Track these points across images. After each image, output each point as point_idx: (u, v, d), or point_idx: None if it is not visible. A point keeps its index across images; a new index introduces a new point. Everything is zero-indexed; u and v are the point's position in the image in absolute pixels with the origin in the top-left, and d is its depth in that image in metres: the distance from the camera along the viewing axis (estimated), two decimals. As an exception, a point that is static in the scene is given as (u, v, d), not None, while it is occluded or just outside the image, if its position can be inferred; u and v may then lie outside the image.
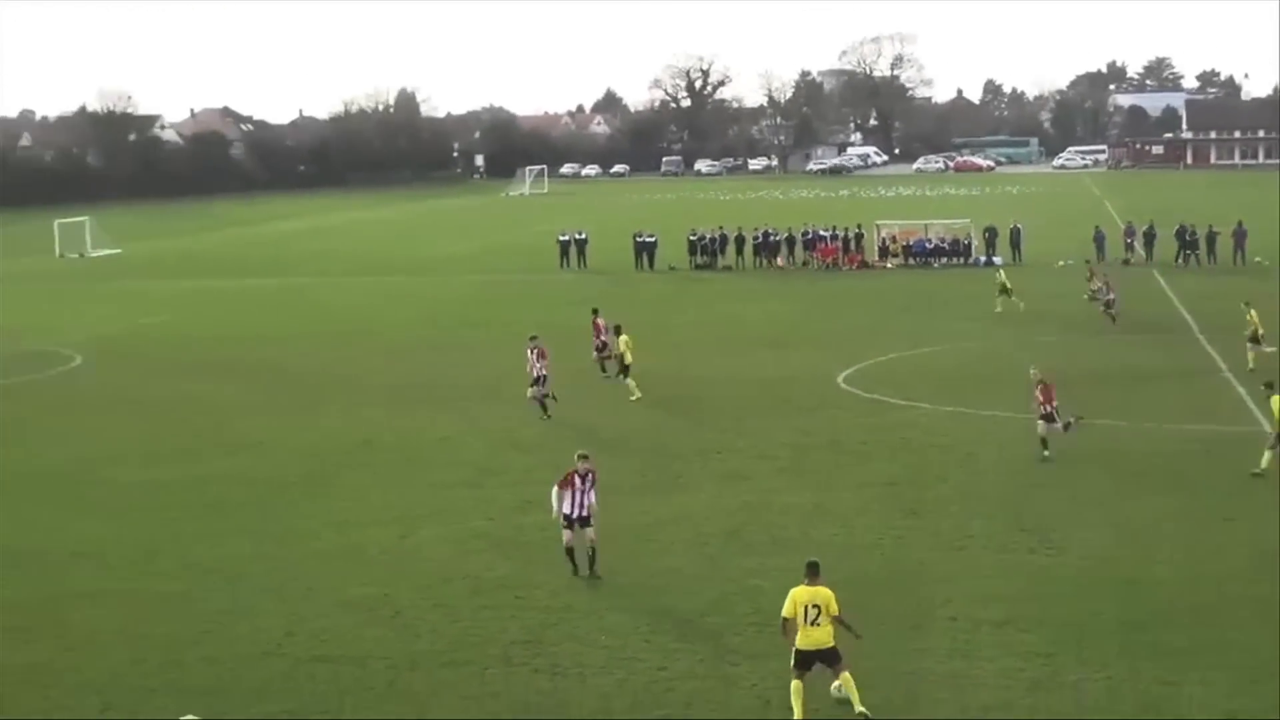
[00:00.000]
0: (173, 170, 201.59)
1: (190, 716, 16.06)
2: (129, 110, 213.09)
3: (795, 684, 20.93)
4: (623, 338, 45.51)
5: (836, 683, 21.08)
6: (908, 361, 49.95)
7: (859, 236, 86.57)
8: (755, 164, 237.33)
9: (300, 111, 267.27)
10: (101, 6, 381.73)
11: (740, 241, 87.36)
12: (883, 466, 35.66)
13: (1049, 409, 35.77)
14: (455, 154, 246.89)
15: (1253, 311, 46.70)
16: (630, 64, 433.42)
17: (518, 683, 22.55)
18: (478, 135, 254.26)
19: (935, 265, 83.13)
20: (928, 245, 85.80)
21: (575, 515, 27.43)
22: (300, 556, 29.61)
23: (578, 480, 27.44)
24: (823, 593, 21.19)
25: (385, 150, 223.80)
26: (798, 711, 20.79)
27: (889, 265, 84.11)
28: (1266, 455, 33.49)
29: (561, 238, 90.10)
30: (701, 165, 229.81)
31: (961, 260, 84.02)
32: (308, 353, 56.70)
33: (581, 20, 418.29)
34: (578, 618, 25.40)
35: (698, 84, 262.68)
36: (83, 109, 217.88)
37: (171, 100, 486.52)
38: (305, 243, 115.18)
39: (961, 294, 61.79)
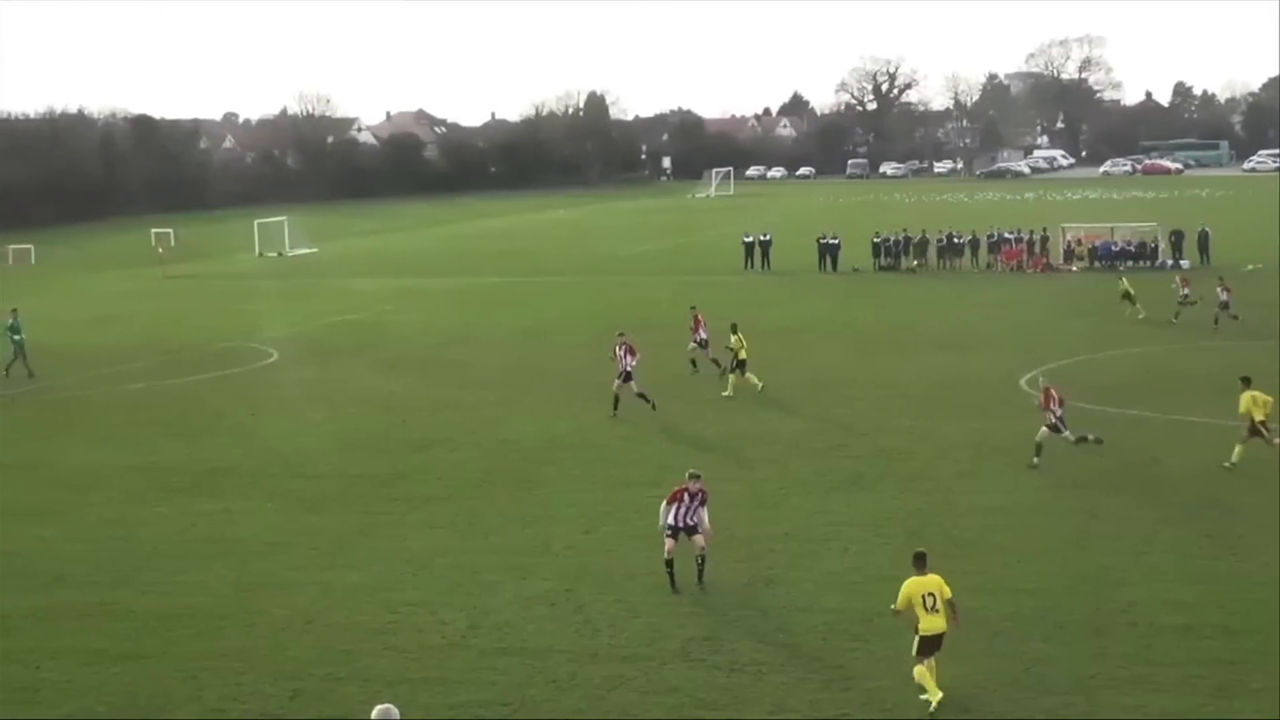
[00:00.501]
0: (368, 171, 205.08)
1: (385, 705, 16.45)
2: (327, 113, 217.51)
3: (919, 669, 21.80)
4: (736, 336, 45.99)
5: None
6: (1091, 365, 49.42)
7: (1044, 239, 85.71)
8: (940, 167, 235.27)
9: (492, 114, 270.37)
10: (304, 9, 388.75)
11: (924, 244, 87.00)
12: (1064, 470, 35.37)
13: (1055, 417, 35.59)
14: (643, 156, 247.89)
15: None
16: (817, 67, 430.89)
17: (695, 678, 22.81)
18: (665, 137, 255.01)
19: (1121, 268, 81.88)
20: (1113, 248, 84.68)
21: (680, 525, 27.38)
22: (486, 550, 30.15)
23: (686, 498, 27.44)
24: (935, 580, 22.11)
25: (574, 152, 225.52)
26: (934, 692, 21.59)
27: (1074, 268, 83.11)
28: (1237, 449, 34.54)
29: (746, 239, 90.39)
30: (886, 168, 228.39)
31: (1148, 263, 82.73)
32: (496, 350, 57.49)
33: (768, 23, 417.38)
34: (756, 616, 25.61)
35: (884, 87, 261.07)
36: (283, 112, 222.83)
37: (368, 103, 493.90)
38: (495, 243, 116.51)
39: (1147, 297, 60.78)
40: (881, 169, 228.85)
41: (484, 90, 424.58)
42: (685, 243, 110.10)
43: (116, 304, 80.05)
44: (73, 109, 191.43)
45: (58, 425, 45.26)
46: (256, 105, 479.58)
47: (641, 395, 43.35)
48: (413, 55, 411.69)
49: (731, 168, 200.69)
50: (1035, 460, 35.22)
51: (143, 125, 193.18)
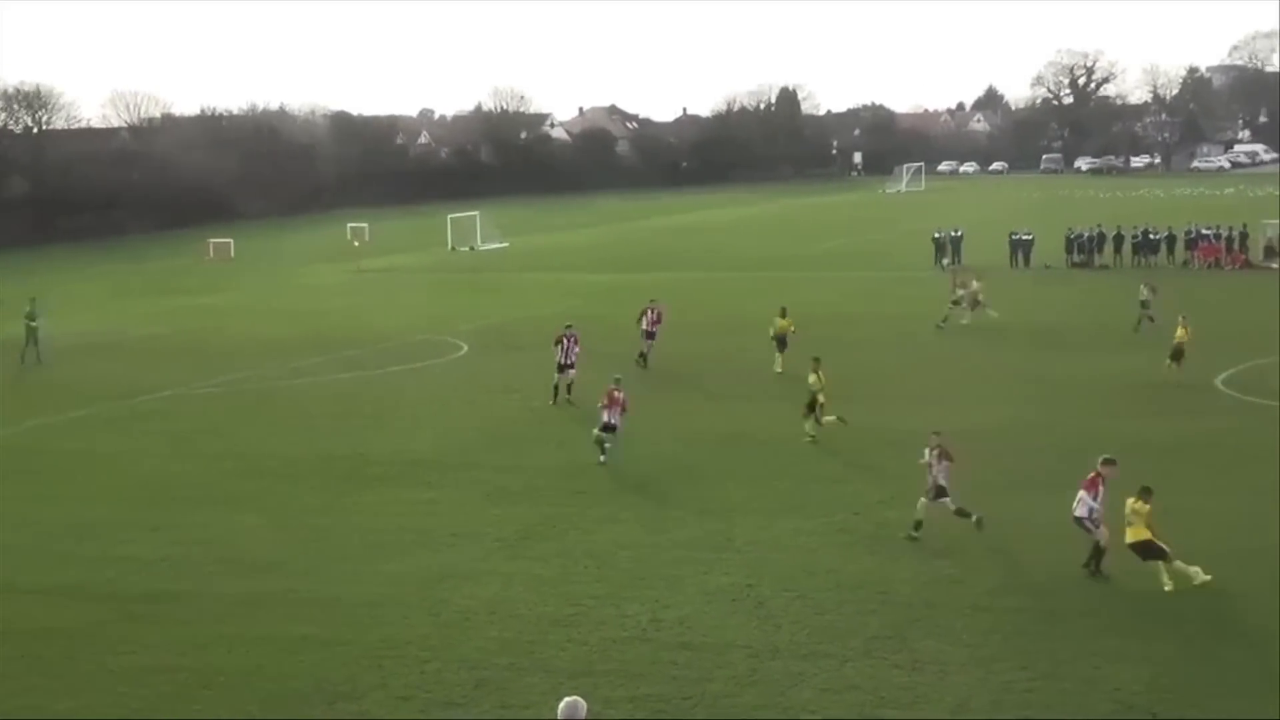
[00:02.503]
0: (560, 167, 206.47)
1: (573, 697, 16.57)
2: (521, 109, 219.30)
3: (1169, 565, 26.28)
4: (814, 375, 39.95)
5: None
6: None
7: (1244, 236, 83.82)
8: (1137, 162, 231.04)
9: (684, 109, 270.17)
10: (499, 7, 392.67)
11: (1119, 240, 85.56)
12: (1263, 470, 34.63)
13: (941, 480, 30.36)
14: (834, 151, 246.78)
15: None
16: (1012, 60, 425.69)
17: (877, 676, 22.75)
18: (857, 133, 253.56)
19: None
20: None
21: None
22: (668, 544, 30.30)
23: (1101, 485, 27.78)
24: (1136, 504, 26.54)
25: (766, 147, 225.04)
26: (1198, 576, 26.22)
27: (1275, 266, 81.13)
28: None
29: (937, 235, 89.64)
30: (1081, 163, 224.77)
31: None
32: (682, 345, 57.60)
33: (963, 16, 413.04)
34: (940, 615, 25.46)
35: (1080, 80, 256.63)
36: (478, 108, 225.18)
37: (561, 99, 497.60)
38: (685, 238, 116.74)
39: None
40: (1076, 164, 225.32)
41: (676, 86, 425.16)
42: (875, 239, 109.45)
43: (313, 297, 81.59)
44: (274, 105, 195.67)
45: (261, 415, 46.32)
46: (452, 101, 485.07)
47: (568, 387, 45.41)
48: (605, 51, 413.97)
49: (923, 163, 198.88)
50: (915, 535, 30.08)
51: (341, 121, 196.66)
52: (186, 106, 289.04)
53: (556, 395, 45.66)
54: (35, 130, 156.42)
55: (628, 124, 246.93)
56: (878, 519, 31.61)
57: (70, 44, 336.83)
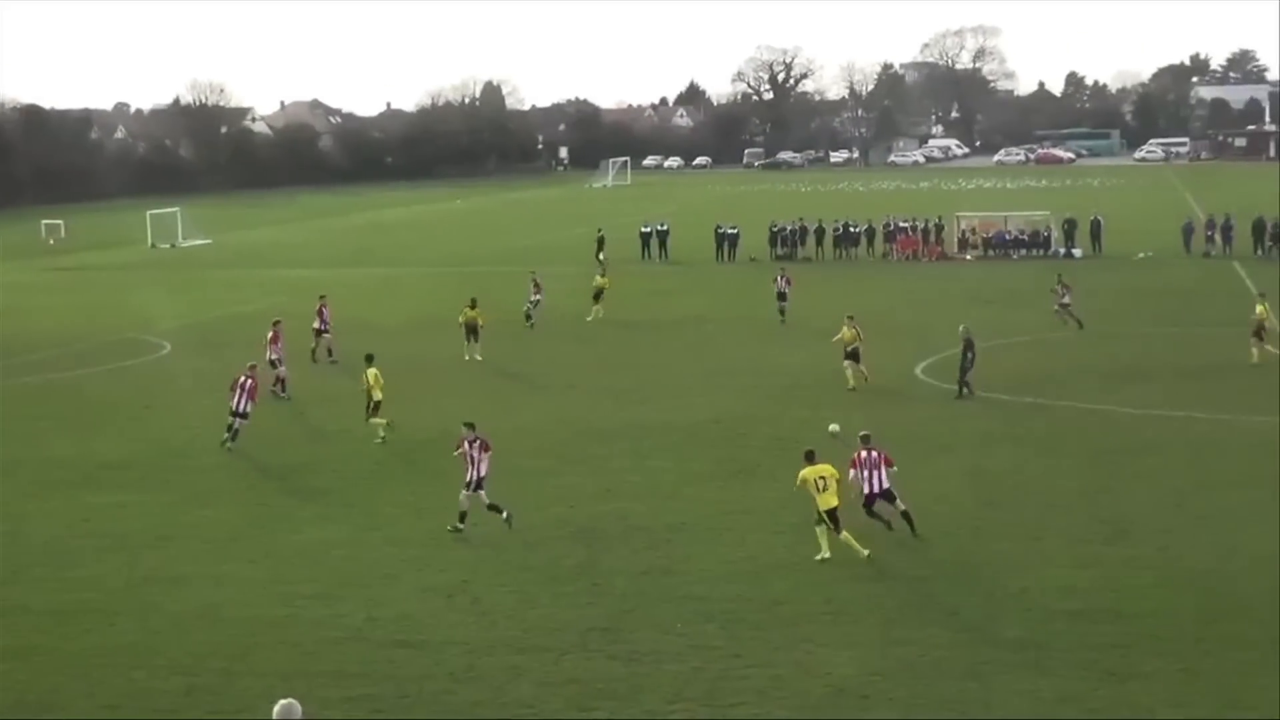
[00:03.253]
0: (263, 162, 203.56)
1: (288, 700, 16.20)
2: (221, 103, 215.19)
3: (819, 529, 27.69)
4: (371, 371, 40.02)
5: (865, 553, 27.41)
6: (986, 353, 49.64)
7: (939, 228, 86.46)
8: (837, 156, 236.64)
9: (388, 104, 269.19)
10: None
11: (820, 233, 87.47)
12: (962, 457, 35.71)
13: (483, 471, 30.11)
14: (540, 146, 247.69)
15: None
16: (713, 57, 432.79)
17: (594, 669, 22.78)
18: (562, 128, 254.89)
19: (1015, 257, 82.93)
20: (1007, 237, 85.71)
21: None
22: (381, 542, 29.99)
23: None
24: (827, 468, 27.82)
25: (471, 142, 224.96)
26: (825, 548, 27.61)
27: (968, 257, 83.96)
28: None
29: (644, 229, 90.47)
30: (783, 156, 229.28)
31: (1041, 252, 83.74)
32: (392, 343, 57.15)
33: (664, 13, 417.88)
34: (655, 605, 25.61)
35: (780, 77, 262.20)
36: (176, 101, 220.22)
37: (262, 92, 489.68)
38: (391, 234, 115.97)
39: (1040, 286, 61.27)
40: (778, 158, 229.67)
41: (380, 80, 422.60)
42: (583, 234, 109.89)
43: (5, 296, 78.88)
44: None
45: (-55, 419, 44.57)
46: (149, 95, 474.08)
47: (281, 383, 45.75)
48: (307, 44, 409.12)
49: (628, 158, 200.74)
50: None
51: (33, 115, 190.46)
52: None
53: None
54: None
55: (331, 118, 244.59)
56: (591, 511, 31.72)
57: None
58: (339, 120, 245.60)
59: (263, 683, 22.20)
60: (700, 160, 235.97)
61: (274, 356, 46.45)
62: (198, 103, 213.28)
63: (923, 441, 37.00)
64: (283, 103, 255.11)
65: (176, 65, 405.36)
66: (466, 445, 30.25)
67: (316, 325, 53.07)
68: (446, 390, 46.43)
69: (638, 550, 28.75)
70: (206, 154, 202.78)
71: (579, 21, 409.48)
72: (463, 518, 30.19)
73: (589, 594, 26.34)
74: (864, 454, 29.22)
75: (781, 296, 60.16)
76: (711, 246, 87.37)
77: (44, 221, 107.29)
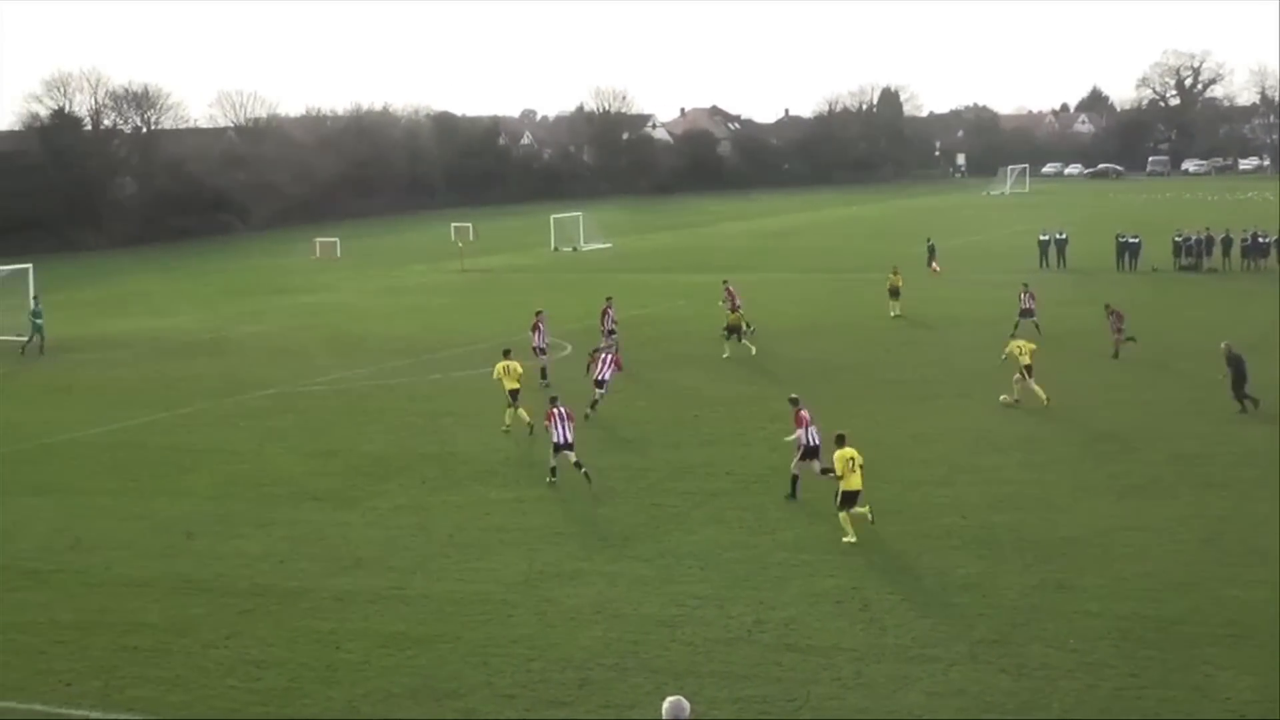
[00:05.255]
0: (662, 168, 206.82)
1: (676, 697, 16.49)
2: (623, 110, 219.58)
3: (843, 515, 30.24)
4: (501, 364, 43.55)
5: (865, 509, 30.48)
6: None
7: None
8: (1245, 164, 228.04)
9: (786, 111, 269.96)
10: (601, 7, 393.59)
11: (1228, 243, 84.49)
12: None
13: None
14: (936, 153, 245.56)
15: None
16: (1117, 61, 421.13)
17: (983, 681, 22.54)
18: (960, 134, 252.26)
19: None
20: None
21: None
22: (772, 546, 30.21)
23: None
24: (852, 451, 30.59)
25: (868, 149, 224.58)
26: (850, 534, 29.98)
27: None
28: None
29: (1042, 237, 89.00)
30: (1189, 165, 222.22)
31: None
32: (787, 346, 57.50)
33: (1067, 17, 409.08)
34: (1045, 619, 25.20)
35: (1187, 82, 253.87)
36: (580, 108, 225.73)
37: (663, 99, 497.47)
38: (786, 239, 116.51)
39: None
40: (1183, 166, 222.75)
41: (778, 87, 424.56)
42: (978, 240, 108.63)
43: (416, 296, 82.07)
44: (378, 106, 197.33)
45: (357, 414, 46.62)
46: (554, 102, 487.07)
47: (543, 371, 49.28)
48: (708, 51, 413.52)
49: (1027, 165, 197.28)
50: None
51: (444, 121, 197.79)
52: (291, 107, 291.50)
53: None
54: (144, 130, 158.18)
55: (729, 125, 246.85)
56: (983, 522, 31.37)
57: (177, 44, 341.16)
58: (737, 127, 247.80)
59: (653, 679, 22.63)
60: (1101, 167, 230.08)
61: (539, 344, 50.42)
62: (601, 110, 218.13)
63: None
64: (683, 109, 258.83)
65: (582, 73, 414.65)
66: (555, 415, 35.30)
67: (607, 326, 55.42)
68: (840, 395, 46.44)
69: (1030, 563, 28.32)
70: (608, 160, 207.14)
71: (979, 26, 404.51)
72: (553, 472, 35.75)
73: (980, 605, 26.06)
74: (804, 414, 34.21)
75: (1026, 313, 58.40)
76: (1112, 255, 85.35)
77: (454, 224, 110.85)
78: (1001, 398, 44.67)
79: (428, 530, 32.20)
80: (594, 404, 43.67)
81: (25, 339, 64.19)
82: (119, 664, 24.29)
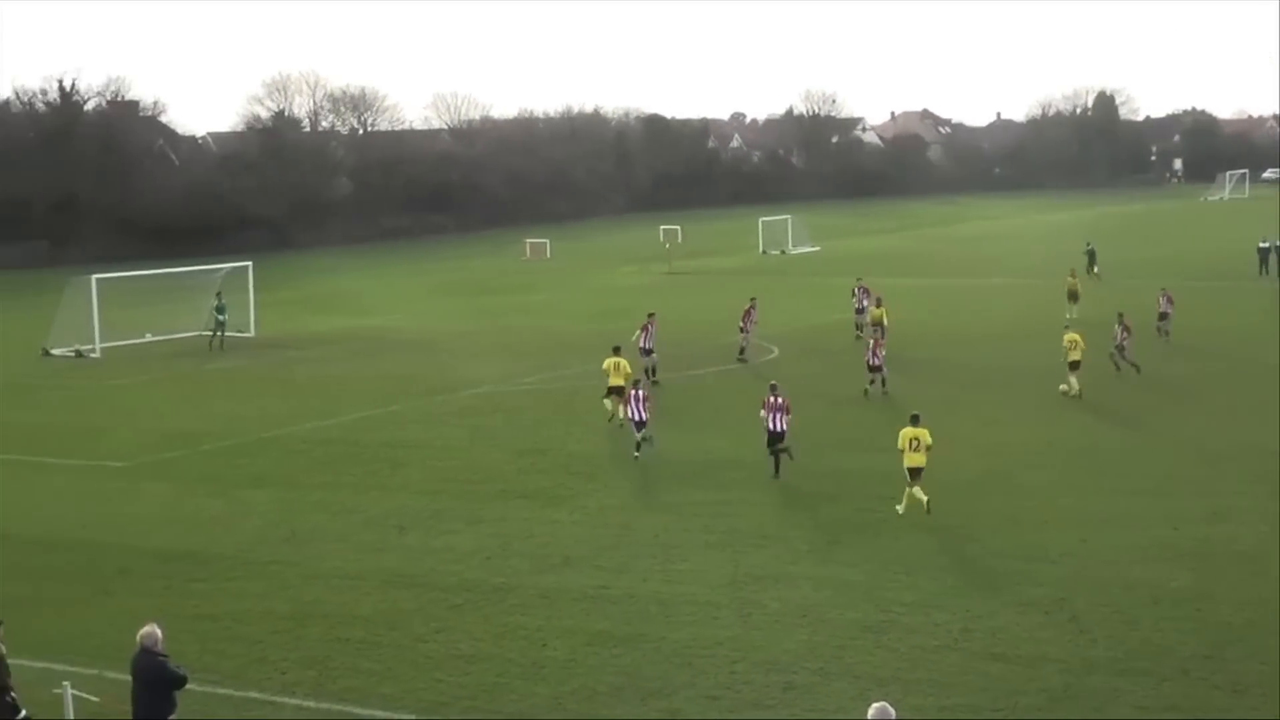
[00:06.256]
0: (871, 171, 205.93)
1: (882, 703, 16.46)
2: (832, 113, 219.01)
3: (909, 490, 32.75)
4: (611, 360, 45.29)
5: (923, 497, 32.49)
6: None
7: None
8: None
9: (998, 114, 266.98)
10: (811, 8, 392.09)
11: None
12: None
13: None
14: (1152, 158, 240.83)
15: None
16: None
17: (1195, 697, 22.10)
18: (1176, 138, 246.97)
19: None
20: None
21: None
22: (980, 553, 29.95)
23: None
24: (923, 432, 32.98)
25: (1081, 153, 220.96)
26: (904, 505, 32.78)
27: None
28: None
29: (1261, 245, 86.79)
30: None
31: None
32: (993, 352, 56.95)
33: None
34: (1261, 635, 24.63)
35: None
36: (789, 112, 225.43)
37: (873, 103, 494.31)
38: (995, 245, 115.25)
39: None
40: None
41: (990, 90, 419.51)
42: (1192, 248, 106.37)
43: (624, 298, 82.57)
44: (589, 108, 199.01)
45: (565, 413, 47.11)
46: (763, 105, 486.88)
47: (652, 370, 50.97)
48: (919, 54, 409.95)
49: (1246, 170, 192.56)
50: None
51: (655, 124, 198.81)
52: (505, 109, 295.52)
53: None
54: (360, 132, 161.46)
55: (940, 128, 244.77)
56: (1196, 535, 30.75)
57: (394, 47, 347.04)
58: (948, 130, 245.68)
59: (857, 685, 22.57)
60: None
61: (646, 345, 51.82)
62: (810, 113, 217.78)
63: None
64: (893, 113, 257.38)
65: (792, 76, 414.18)
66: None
67: (742, 325, 57.35)
68: (1042, 402, 45.93)
69: (1244, 577, 27.69)
70: (816, 163, 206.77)
71: (1197, 27, 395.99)
72: (638, 446, 39.30)
73: (1192, 619, 25.54)
74: (772, 399, 37.09)
75: (1163, 316, 58.65)
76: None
77: (662, 227, 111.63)
78: (1061, 388, 46.83)
79: (634, 530, 32.42)
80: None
81: (216, 333, 66.55)
82: (332, 655, 24.84)
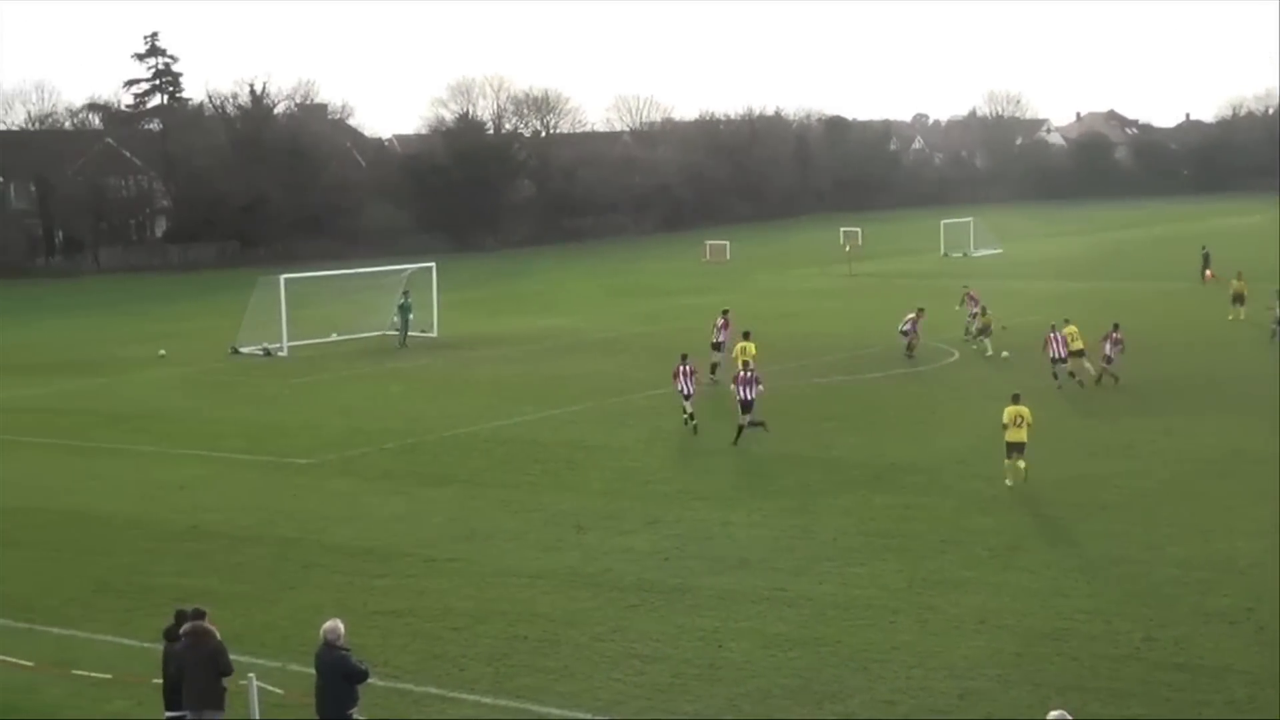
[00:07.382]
0: (1055, 173, 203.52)
1: (1060, 711, 16.26)
2: (1017, 114, 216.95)
3: (1007, 463, 35.73)
4: (740, 344, 49.36)
5: (1023, 464, 35.60)
6: None
7: None
8: None
9: (1187, 115, 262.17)
10: (995, 7, 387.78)
11: None
12: None
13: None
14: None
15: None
16: None
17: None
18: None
19: None
20: None
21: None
22: (1163, 562, 29.42)
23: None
24: (1023, 409, 36.10)
25: (1274, 155, 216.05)
26: (1010, 479, 35.56)
27: None
28: None
29: None
30: None
31: None
32: (1164, 361, 55.98)
33: None
34: None
35: None
36: (972, 113, 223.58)
37: (1058, 103, 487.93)
38: (1180, 248, 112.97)
39: None
40: None
41: (1179, 90, 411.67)
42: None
43: (803, 300, 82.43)
44: (770, 110, 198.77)
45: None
46: (946, 106, 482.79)
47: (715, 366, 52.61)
48: (1106, 53, 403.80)
49: None
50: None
51: (836, 126, 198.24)
52: (686, 111, 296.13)
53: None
54: (543, 134, 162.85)
55: (1127, 129, 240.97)
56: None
57: (577, 49, 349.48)
58: (1135, 131, 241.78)
59: (1036, 693, 22.30)
60: None
61: (718, 340, 54.00)
62: (994, 114, 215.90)
63: None
64: (1078, 114, 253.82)
65: (975, 76, 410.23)
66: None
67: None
68: (1234, 408, 45.06)
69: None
70: (999, 165, 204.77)
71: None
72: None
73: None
74: (743, 374, 41.90)
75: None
76: None
77: (842, 229, 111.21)
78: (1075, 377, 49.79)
79: (811, 533, 32.35)
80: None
81: (401, 331, 68.48)
82: (509, 652, 25.09)
